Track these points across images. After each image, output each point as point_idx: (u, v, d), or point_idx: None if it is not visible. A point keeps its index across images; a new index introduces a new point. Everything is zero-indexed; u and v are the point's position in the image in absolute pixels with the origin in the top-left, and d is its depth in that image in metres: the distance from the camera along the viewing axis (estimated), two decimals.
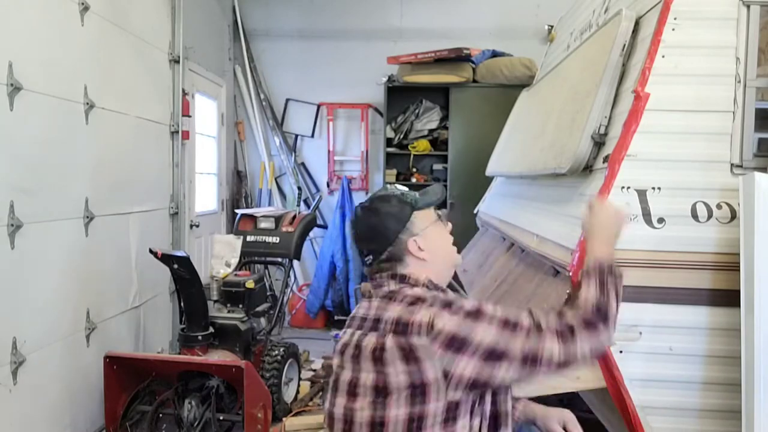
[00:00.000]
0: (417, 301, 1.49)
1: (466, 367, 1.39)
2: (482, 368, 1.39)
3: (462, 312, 1.43)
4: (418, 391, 1.41)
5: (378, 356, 1.45)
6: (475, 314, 1.43)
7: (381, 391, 1.44)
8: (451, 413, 1.43)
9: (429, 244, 1.60)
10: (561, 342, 1.41)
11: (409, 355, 1.41)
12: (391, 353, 1.43)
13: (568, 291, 1.99)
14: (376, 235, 1.60)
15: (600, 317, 1.46)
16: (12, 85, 2.68)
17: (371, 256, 1.62)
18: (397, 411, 1.42)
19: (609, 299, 1.49)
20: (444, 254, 1.65)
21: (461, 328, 1.41)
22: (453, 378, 1.40)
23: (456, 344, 1.40)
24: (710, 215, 1.96)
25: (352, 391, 1.49)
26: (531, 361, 1.40)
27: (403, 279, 1.58)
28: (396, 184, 1.81)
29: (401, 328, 1.45)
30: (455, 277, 3.44)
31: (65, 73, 3.15)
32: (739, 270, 1.85)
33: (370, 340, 1.48)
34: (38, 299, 2.93)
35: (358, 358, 1.48)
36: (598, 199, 1.79)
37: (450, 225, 1.71)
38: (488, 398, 1.48)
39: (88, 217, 3.34)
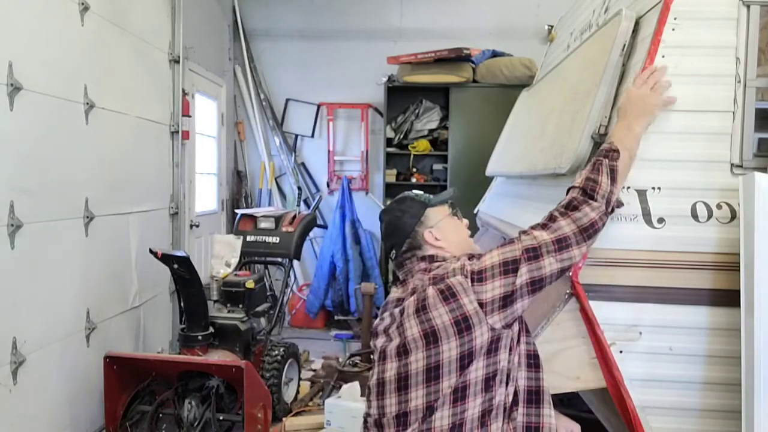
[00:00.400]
0: (448, 262, 1.74)
1: (493, 289, 1.61)
2: (506, 282, 1.61)
3: (500, 254, 1.66)
4: (462, 326, 1.60)
5: (421, 307, 1.64)
6: (507, 262, 1.65)
7: (430, 337, 1.62)
8: (493, 344, 1.62)
9: (444, 234, 1.82)
10: (569, 218, 1.68)
11: (447, 294, 1.62)
12: (432, 299, 1.63)
13: (567, 291, 1.99)
14: (395, 230, 1.84)
15: (591, 193, 1.71)
16: (12, 85, 2.68)
17: (394, 250, 1.84)
18: (449, 351, 1.60)
19: (600, 177, 1.73)
20: (459, 241, 1.86)
21: (485, 264, 1.65)
22: (486, 304, 1.60)
23: (479, 276, 1.63)
24: (710, 215, 1.95)
25: (404, 350, 1.65)
26: (558, 243, 1.64)
27: (432, 259, 1.79)
28: (414, 190, 2.01)
29: (438, 278, 1.67)
30: None
31: (65, 73, 3.15)
32: (739, 270, 1.85)
33: (411, 301, 1.68)
34: (38, 299, 2.93)
35: (402, 325, 1.67)
36: (638, 76, 1.93)
37: (466, 221, 1.94)
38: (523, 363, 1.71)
39: (88, 217, 3.34)
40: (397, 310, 1.72)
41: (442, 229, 1.84)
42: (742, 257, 1.83)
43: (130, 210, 3.86)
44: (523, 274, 1.62)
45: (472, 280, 1.62)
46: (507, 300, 1.62)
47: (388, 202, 2.09)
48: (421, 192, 1.93)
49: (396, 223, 1.85)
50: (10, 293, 2.73)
